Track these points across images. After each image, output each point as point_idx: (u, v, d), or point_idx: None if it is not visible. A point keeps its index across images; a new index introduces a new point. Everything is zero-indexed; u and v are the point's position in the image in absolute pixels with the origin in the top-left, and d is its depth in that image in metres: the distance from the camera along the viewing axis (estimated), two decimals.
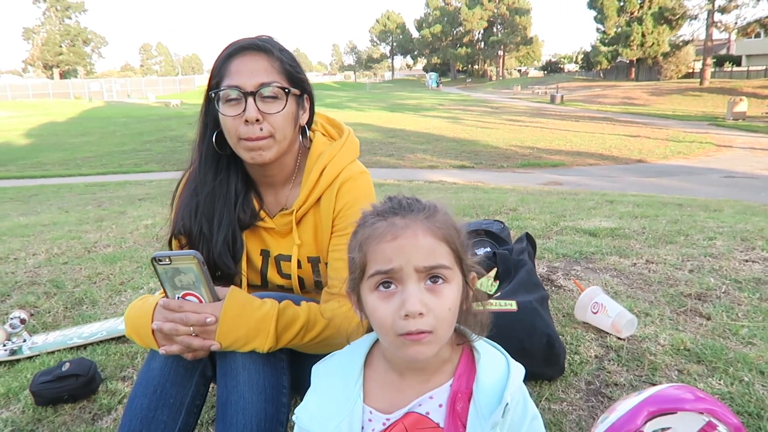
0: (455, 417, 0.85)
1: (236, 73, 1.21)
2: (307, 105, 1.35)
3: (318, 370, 0.96)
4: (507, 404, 0.83)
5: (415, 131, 20.24)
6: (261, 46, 1.23)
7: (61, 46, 76.29)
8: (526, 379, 1.64)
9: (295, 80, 1.27)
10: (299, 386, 1.37)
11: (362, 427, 0.89)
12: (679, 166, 13.04)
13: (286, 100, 1.25)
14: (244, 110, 1.21)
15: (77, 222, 4.99)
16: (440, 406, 0.86)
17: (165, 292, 1.17)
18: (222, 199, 1.34)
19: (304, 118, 1.36)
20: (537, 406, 1.51)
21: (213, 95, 1.25)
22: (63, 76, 74.23)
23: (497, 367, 0.88)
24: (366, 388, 0.91)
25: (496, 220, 2.49)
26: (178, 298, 1.16)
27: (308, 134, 1.41)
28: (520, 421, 0.86)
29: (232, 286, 1.20)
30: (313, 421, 0.91)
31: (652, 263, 2.66)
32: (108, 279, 2.92)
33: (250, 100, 1.21)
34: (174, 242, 1.37)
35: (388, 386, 0.90)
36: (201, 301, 1.15)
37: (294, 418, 0.95)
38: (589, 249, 2.87)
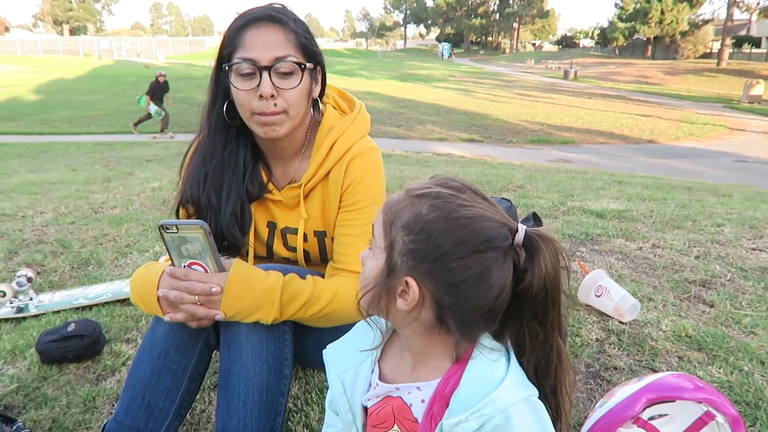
0: (430, 419, 0.83)
1: (250, 46, 1.18)
2: (319, 77, 1.33)
3: (361, 323, 0.99)
4: (461, 423, 0.76)
5: (425, 102, 20.05)
6: (276, 17, 1.19)
7: (71, 2, 75.49)
8: None
9: (309, 53, 1.25)
10: (302, 358, 1.39)
11: (368, 385, 0.93)
12: (690, 148, 12.91)
13: (302, 76, 1.23)
14: (259, 85, 1.19)
15: (85, 181, 5.00)
16: (422, 401, 0.86)
17: (171, 259, 1.17)
18: (231, 170, 1.33)
19: (316, 91, 1.34)
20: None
21: (226, 67, 1.22)
22: (73, 32, 73.59)
23: (484, 383, 0.79)
24: (385, 349, 0.94)
25: (503, 198, 2.48)
26: (184, 266, 1.16)
27: (320, 107, 1.39)
28: None
29: (236, 258, 1.20)
30: (332, 359, 0.99)
31: (658, 248, 2.65)
32: (114, 241, 2.94)
33: (265, 74, 1.19)
34: (181, 211, 1.36)
35: (398, 356, 0.92)
36: (206, 271, 1.16)
37: (324, 351, 1.01)
38: (595, 230, 2.86)
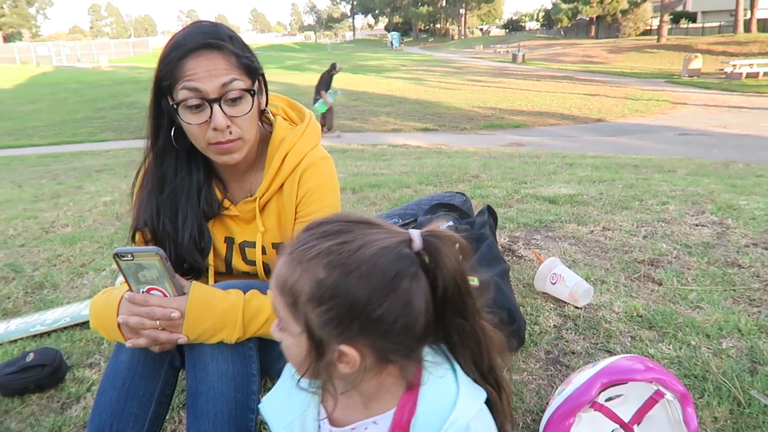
0: None
1: (193, 77, 1.15)
2: (263, 87, 1.32)
3: (289, 365, 0.96)
4: None
5: (377, 93, 20.05)
6: (213, 44, 1.16)
7: (2, 8, 72.10)
8: None
9: (251, 71, 1.24)
10: (269, 370, 1.40)
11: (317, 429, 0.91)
12: (636, 124, 13.31)
13: (252, 100, 1.23)
14: (211, 117, 1.18)
15: (32, 199, 4.84)
16: None
17: (129, 285, 1.17)
18: (185, 195, 1.32)
19: (263, 102, 1.33)
20: None
21: (171, 102, 1.19)
22: (6, 39, 70.38)
23: (440, 405, 0.81)
24: (324, 392, 0.91)
25: (458, 193, 2.53)
26: (142, 292, 1.16)
27: (268, 116, 1.39)
28: None
29: (193, 281, 1.20)
30: (273, 414, 0.94)
31: (609, 230, 2.76)
32: (68, 261, 2.87)
33: (216, 107, 1.17)
34: (138, 235, 1.35)
35: (345, 397, 0.88)
36: (165, 296, 1.16)
37: (259, 406, 0.97)
38: (548, 217, 2.95)
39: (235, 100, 1.20)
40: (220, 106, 1.18)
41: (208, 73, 1.16)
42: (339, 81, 14.45)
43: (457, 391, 0.82)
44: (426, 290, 0.76)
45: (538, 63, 31.11)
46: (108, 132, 14.93)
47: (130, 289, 1.17)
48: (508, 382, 0.92)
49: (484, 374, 0.87)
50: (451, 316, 0.82)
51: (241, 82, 1.20)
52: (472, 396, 0.83)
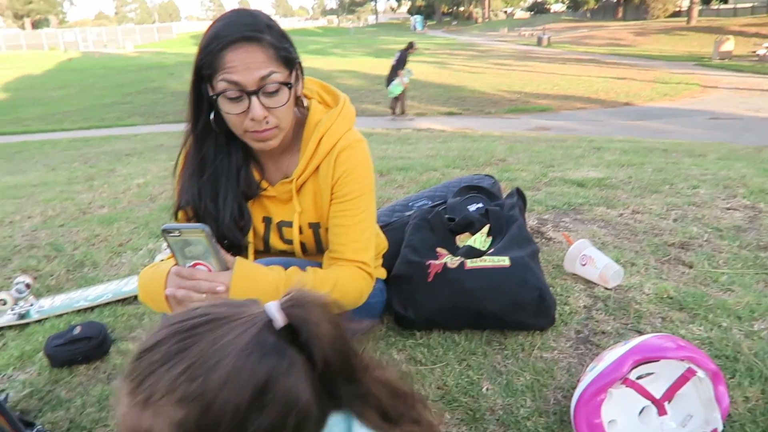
0: None
1: (232, 70, 1.20)
2: (300, 75, 1.36)
3: None
4: None
5: None
6: (252, 37, 1.20)
7: None
8: (521, 329, 1.73)
9: (289, 61, 1.28)
10: None
11: None
12: (665, 108, 13.07)
13: (289, 92, 1.27)
14: (249, 108, 1.23)
15: (67, 181, 4.97)
16: None
17: (175, 260, 1.22)
18: (225, 176, 1.38)
19: (299, 90, 1.37)
20: (530, 356, 1.63)
21: (211, 92, 1.25)
22: (35, 26, 71.49)
23: None
24: None
25: (486, 175, 2.54)
26: (188, 267, 1.21)
27: (304, 102, 1.43)
28: None
29: (237, 257, 1.25)
30: None
31: (638, 213, 2.75)
32: (106, 240, 2.96)
33: (254, 99, 1.22)
34: (180, 213, 1.41)
35: None
36: (210, 270, 1.21)
37: None
38: (577, 200, 2.95)
39: (272, 93, 1.24)
40: (258, 98, 1.22)
41: (246, 66, 1.20)
42: (362, 65, 14.40)
43: None
44: (307, 374, 0.63)
45: (563, 46, 30.60)
46: (135, 117, 15.18)
47: (177, 264, 1.22)
48: (430, 415, 0.79)
49: (398, 421, 0.74)
50: (343, 387, 0.68)
51: (279, 75, 1.24)
52: None
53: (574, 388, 1.50)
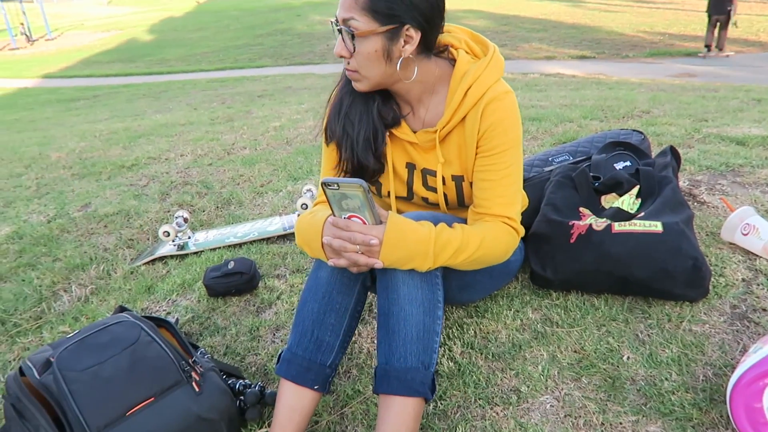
0: None
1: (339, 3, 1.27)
2: (413, 34, 1.28)
3: None
4: None
5: (530, 17, 18.88)
6: None
7: None
8: (668, 299, 1.63)
9: (386, 17, 1.23)
10: (446, 297, 1.49)
11: None
12: None
13: (367, 42, 1.26)
14: None
15: (209, 122, 5.33)
16: None
17: (332, 211, 1.28)
18: (363, 104, 1.42)
19: (407, 51, 1.29)
20: (678, 328, 1.54)
21: None
22: None
23: None
24: None
25: (634, 130, 2.37)
26: (344, 218, 1.26)
27: (444, 54, 1.41)
28: None
29: (390, 212, 1.28)
30: None
31: None
32: (249, 181, 3.16)
33: (339, 35, 1.27)
34: (326, 148, 1.49)
35: None
36: (365, 224, 1.25)
37: None
38: (736, 160, 2.68)
39: (353, 37, 1.25)
40: (342, 36, 1.27)
41: (342, 3, 1.25)
42: (487, 3, 13.75)
43: None
44: None
45: None
46: (265, 58, 15.79)
47: (333, 214, 1.28)
48: None
49: None
50: None
51: (360, 23, 1.23)
52: None
53: (727, 367, 1.41)
